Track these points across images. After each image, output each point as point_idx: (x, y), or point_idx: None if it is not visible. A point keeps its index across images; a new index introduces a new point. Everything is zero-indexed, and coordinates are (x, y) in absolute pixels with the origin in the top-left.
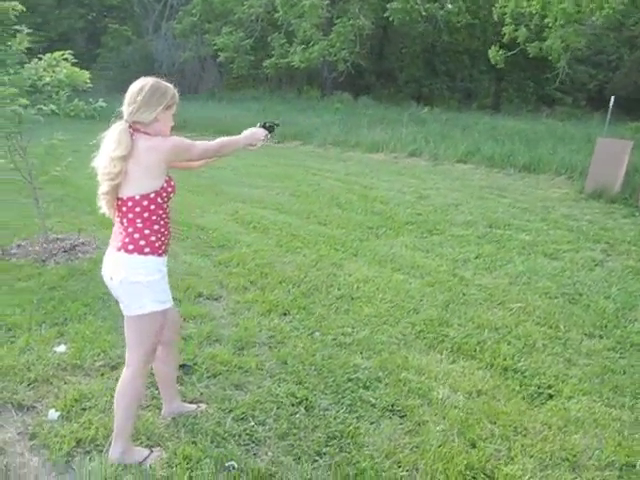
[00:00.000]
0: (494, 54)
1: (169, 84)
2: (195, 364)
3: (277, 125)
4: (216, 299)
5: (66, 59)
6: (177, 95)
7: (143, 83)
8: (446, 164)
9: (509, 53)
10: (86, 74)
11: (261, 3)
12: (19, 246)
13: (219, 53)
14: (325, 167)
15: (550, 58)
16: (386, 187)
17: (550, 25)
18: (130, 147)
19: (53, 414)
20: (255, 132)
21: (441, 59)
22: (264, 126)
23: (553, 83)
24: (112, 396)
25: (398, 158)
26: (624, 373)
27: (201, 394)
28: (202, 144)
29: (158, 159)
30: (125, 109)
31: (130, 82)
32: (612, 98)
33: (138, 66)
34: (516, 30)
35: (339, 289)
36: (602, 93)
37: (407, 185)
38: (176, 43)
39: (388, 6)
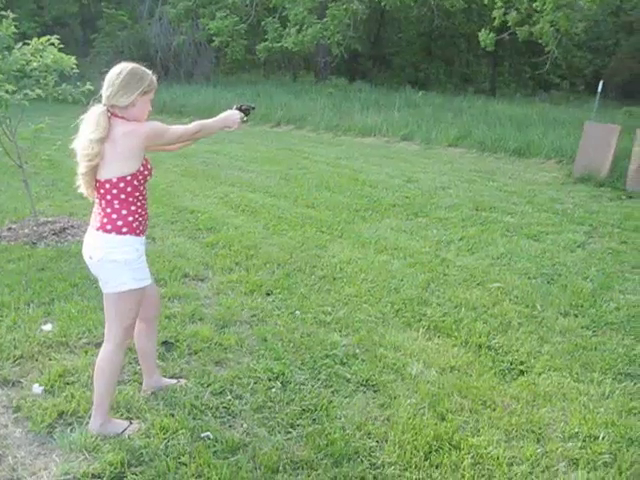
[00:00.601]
0: (484, 37)
1: (148, 70)
2: (177, 341)
3: (253, 108)
4: (201, 280)
5: (53, 44)
6: (155, 82)
7: (122, 67)
8: (437, 148)
9: (498, 37)
10: (72, 59)
11: None
12: (10, 229)
13: (214, 38)
14: (317, 151)
15: (540, 42)
16: (376, 171)
17: (539, 9)
18: (107, 130)
19: (37, 388)
20: (231, 114)
21: (438, 44)
22: (240, 109)
23: (544, 67)
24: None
25: (390, 142)
26: (595, 350)
27: (181, 370)
28: (178, 128)
29: (134, 143)
30: (103, 92)
31: None
32: (600, 83)
33: (133, 51)
34: (506, 14)
35: (322, 270)
36: (599, 78)
37: (397, 169)
38: (171, 28)
39: None
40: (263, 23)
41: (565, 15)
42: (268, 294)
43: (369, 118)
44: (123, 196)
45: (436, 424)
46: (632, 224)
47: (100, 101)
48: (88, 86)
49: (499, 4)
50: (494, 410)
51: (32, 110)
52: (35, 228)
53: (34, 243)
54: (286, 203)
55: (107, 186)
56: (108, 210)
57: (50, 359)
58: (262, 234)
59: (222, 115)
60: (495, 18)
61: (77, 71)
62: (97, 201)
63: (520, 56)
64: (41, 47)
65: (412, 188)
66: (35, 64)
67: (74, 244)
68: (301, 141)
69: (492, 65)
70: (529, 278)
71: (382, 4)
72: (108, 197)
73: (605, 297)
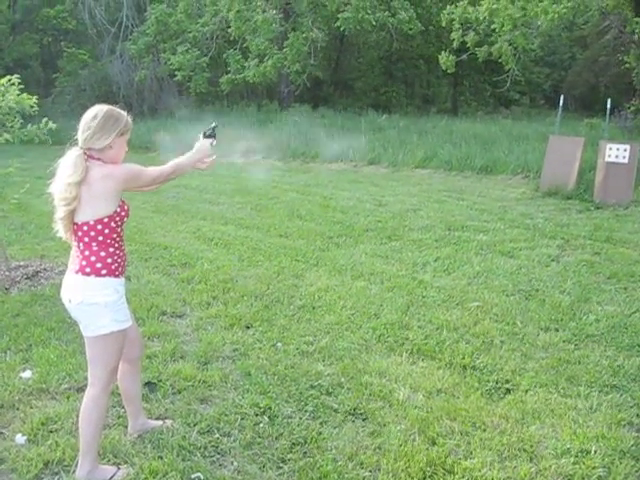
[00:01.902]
0: (444, 59)
1: (122, 111)
2: (160, 381)
3: (215, 127)
4: (180, 316)
5: (13, 84)
6: (130, 122)
7: (97, 110)
8: (405, 170)
9: (458, 58)
10: (32, 99)
11: (215, 20)
12: None
13: (176, 72)
14: (285, 180)
15: (500, 60)
16: (346, 196)
17: (497, 30)
18: (85, 173)
19: (20, 438)
20: (201, 145)
21: (398, 66)
22: (205, 135)
23: (505, 85)
24: (78, 417)
25: (358, 167)
26: (579, 363)
27: (166, 410)
28: (154, 170)
29: (111, 186)
30: (80, 136)
31: (88, 106)
32: (561, 97)
33: (95, 89)
34: (464, 35)
35: (300, 299)
36: (558, 92)
37: (367, 193)
38: (132, 64)
39: (339, 16)
40: (225, 55)
41: (522, 34)
42: (248, 327)
43: (335, 144)
44: (101, 238)
45: (428, 449)
46: (603, 235)
47: (76, 144)
48: (50, 124)
49: (457, 26)
50: (484, 431)
51: None
52: (7, 273)
53: (7, 288)
54: (259, 234)
55: (85, 228)
56: (86, 253)
57: (31, 407)
58: (237, 266)
59: (193, 150)
60: (454, 40)
61: (37, 109)
62: (75, 244)
63: (480, 75)
64: (3, 89)
65: (383, 212)
66: None
67: (48, 287)
68: (269, 171)
69: (453, 85)
70: (507, 295)
71: (341, 29)
72: (86, 239)
73: (584, 309)
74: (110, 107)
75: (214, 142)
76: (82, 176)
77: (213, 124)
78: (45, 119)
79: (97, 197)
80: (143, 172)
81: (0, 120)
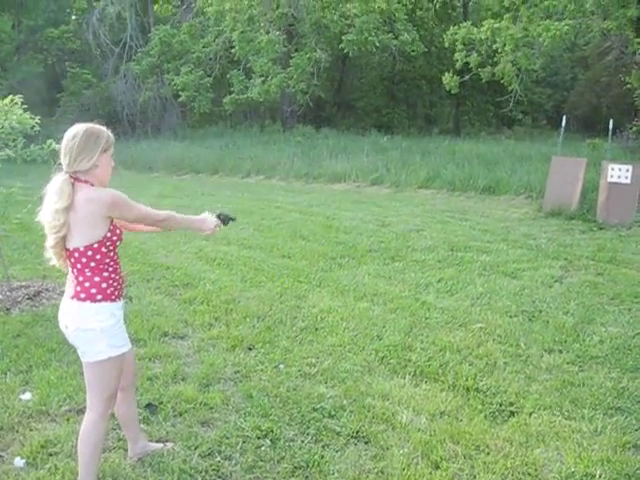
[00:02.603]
0: (448, 80)
1: (102, 127)
2: (161, 403)
3: (232, 219)
4: (181, 337)
5: (16, 103)
6: (112, 137)
7: (76, 131)
8: (408, 191)
9: (461, 79)
10: (35, 119)
11: (218, 41)
12: None
13: (180, 93)
14: (288, 200)
15: (502, 81)
16: (349, 217)
17: (499, 50)
18: (72, 198)
19: (19, 462)
20: (207, 219)
21: (400, 87)
22: (219, 217)
23: (508, 105)
24: (77, 440)
25: (360, 187)
26: (583, 385)
27: (167, 433)
28: (143, 209)
29: (96, 210)
30: (63, 160)
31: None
32: (564, 118)
33: (99, 109)
34: (467, 56)
35: (303, 321)
36: (560, 112)
37: (369, 213)
38: (136, 84)
39: (343, 38)
40: (228, 75)
41: (524, 54)
42: (250, 349)
43: (338, 164)
44: (93, 264)
45: (431, 473)
46: (606, 255)
47: (61, 169)
48: (53, 146)
49: (460, 47)
50: (488, 454)
51: (0, 171)
52: (8, 293)
53: (8, 309)
54: (262, 254)
55: (76, 255)
56: (80, 278)
57: (31, 430)
58: (240, 287)
59: (198, 217)
60: (457, 61)
61: (39, 129)
62: (70, 270)
63: (483, 95)
64: (6, 108)
65: (386, 232)
66: (0, 127)
67: (49, 308)
68: (272, 191)
69: (455, 106)
70: (510, 316)
71: (345, 51)
72: (79, 266)
73: (587, 331)
74: (89, 125)
75: (221, 226)
76: (68, 202)
77: (234, 217)
78: (50, 140)
79: (83, 222)
80: (132, 206)
81: (3, 140)
